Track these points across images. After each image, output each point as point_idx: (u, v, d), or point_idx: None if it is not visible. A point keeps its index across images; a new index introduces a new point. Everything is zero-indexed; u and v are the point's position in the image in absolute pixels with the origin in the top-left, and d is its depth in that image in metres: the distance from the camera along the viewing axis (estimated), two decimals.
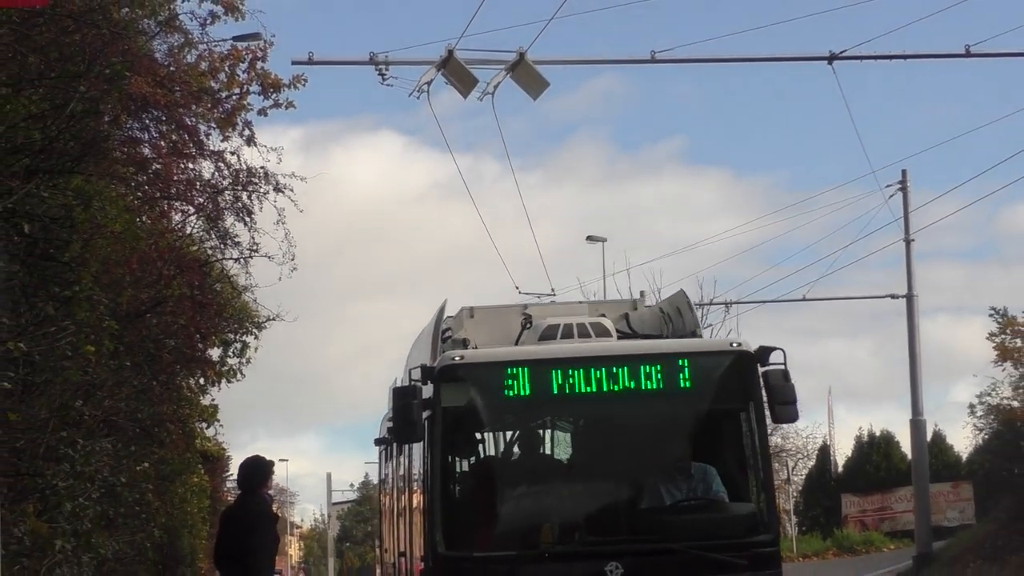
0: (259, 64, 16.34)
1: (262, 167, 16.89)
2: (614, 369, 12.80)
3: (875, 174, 32.86)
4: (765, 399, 12.85)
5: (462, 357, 12.83)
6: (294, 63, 18.86)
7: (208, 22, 14.79)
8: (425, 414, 12.37)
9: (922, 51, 22.44)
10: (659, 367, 12.85)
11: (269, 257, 19.49)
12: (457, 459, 13.33)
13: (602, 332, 13.73)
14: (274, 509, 14.64)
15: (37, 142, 10.17)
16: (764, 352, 12.77)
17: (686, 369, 12.90)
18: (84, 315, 11.50)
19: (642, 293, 17.69)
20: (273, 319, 21.79)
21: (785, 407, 12.73)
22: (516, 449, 14.04)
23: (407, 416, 12.38)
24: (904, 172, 36.41)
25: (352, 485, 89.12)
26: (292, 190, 18.43)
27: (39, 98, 10.16)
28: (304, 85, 18.38)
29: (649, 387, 12.91)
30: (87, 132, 10.81)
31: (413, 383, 12.44)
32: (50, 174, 10.39)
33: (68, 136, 10.51)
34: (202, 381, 20.45)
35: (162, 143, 14.68)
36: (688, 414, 13.54)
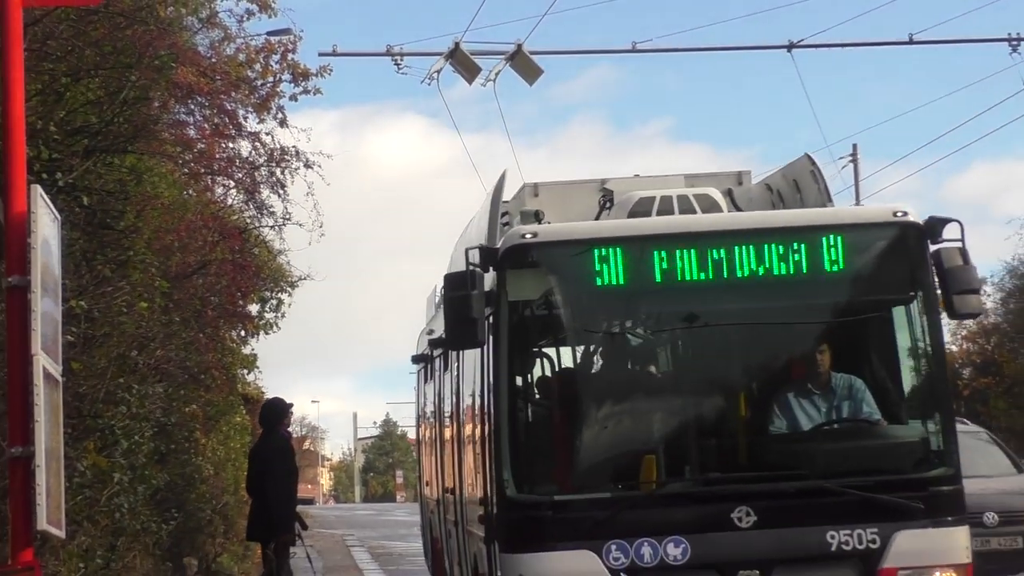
0: (290, 55, 17.09)
1: (293, 146, 17.55)
2: (741, 247, 8.70)
3: (829, 148, 33.04)
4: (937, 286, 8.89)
5: (535, 234, 8.76)
6: (320, 55, 19.50)
7: (244, 19, 15.51)
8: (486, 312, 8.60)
9: (871, 39, 22.49)
10: (802, 244, 8.75)
11: (300, 225, 19.95)
12: (529, 372, 9.21)
13: (711, 207, 9.78)
14: (294, 444, 15.37)
15: (94, 125, 10.45)
16: (936, 224, 8.81)
17: (838, 246, 8.75)
18: (138, 276, 11.84)
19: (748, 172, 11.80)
20: (304, 279, 22.34)
21: (965, 297, 8.72)
22: (609, 357, 9.64)
23: (464, 312, 8.48)
24: (855, 146, 37.31)
25: (375, 423, 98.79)
26: (320, 166, 18.84)
27: (96, 87, 10.40)
28: (330, 74, 19.77)
29: (788, 271, 8.79)
30: (139, 116, 11.29)
31: (472, 268, 8.52)
32: (106, 153, 10.74)
33: (122, 120, 10.85)
34: (243, 333, 21.30)
35: (205, 125, 15.70)
36: (837, 307, 9.37)
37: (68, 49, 9.97)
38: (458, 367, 11.95)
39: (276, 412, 14.77)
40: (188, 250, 14.58)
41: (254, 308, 19.97)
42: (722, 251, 8.64)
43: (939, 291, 8.89)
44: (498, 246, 8.83)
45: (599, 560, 8.31)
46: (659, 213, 9.47)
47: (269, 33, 16.65)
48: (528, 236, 8.69)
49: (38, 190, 6.63)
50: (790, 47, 21.13)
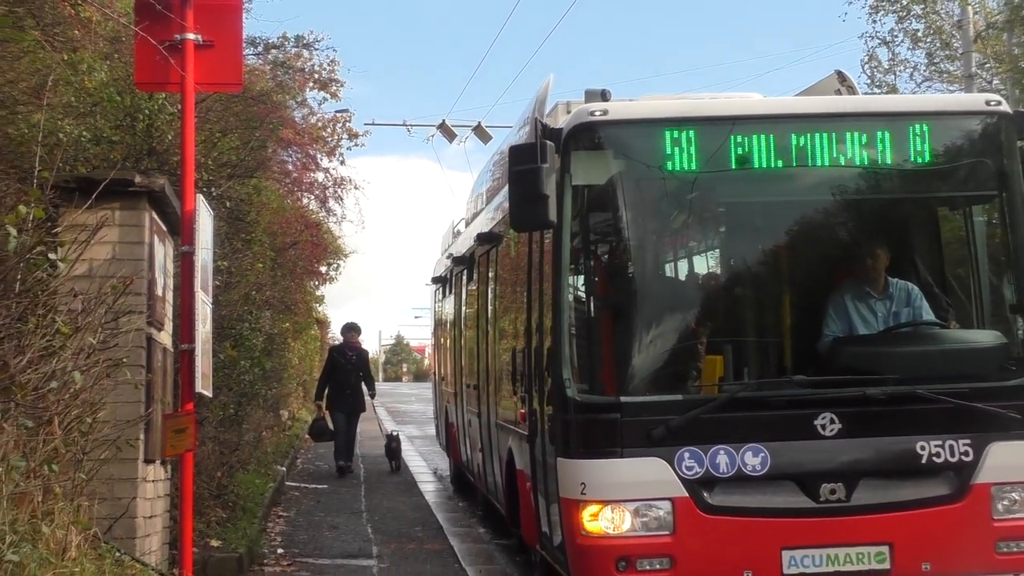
0: (348, 124, 20.54)
1: (349, 177, 20.96)
2: (821, 135, 6.33)
3: None
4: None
5: (605, 112, 6.32)
6: (364, 124, 27.48)
7: (322, 102, 18.93)
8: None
9: None
10: (887, 131, 6.42)
11: (351, 221, 25.08)
12: (592, 265, 6.65)
13: None
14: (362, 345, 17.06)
15: (234, 161, 10.94)
16: (1022, 119, 6.66)
17: (925, 135, 6.43)
18: (256, 248, 12.90)
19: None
20: (352, 252, 26.92)
21: None
22: (678, 250, 7.35)
23: (531, 188, 6.05)
24: None
25: (391, 336, 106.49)
26: (363, 188, 23.89)
27: (235, 139, 11.13)
28: (370, 135, 26.35)
29: (870, 161, 6.48)
30: (259, 157, 12.44)
31: (541, 140, 6.17)
32: (240, 177, 11.32)
33: (249, 159, 11.56)
34: (316, 283, 25.46)
35: (297, 163, 18.37)
36: (921, 201, 7.17)
37: (220, 116, 10.80)
38: (493, 273, 9.75)
39: (349, 327, 16.75)
40: (286, 234, 17.04)
41: (323, 268, 23.82)
42: (803, 137, 6.36)
43: None
44: (561, 126, 6.54)
45: (670, 469, 6.10)
46: None
47: (336, 111, 20.31)
48: (597, 114, 6.34)
49: (200, 197, 7.14)
50: None
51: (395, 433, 17.10)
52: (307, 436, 18.03)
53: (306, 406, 25.72)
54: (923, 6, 25.77)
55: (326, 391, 15.94)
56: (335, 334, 31.46)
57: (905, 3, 25.72)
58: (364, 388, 16.22)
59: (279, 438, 17.60)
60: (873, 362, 6.54)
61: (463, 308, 12.47)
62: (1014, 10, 23.48)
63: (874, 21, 26.69)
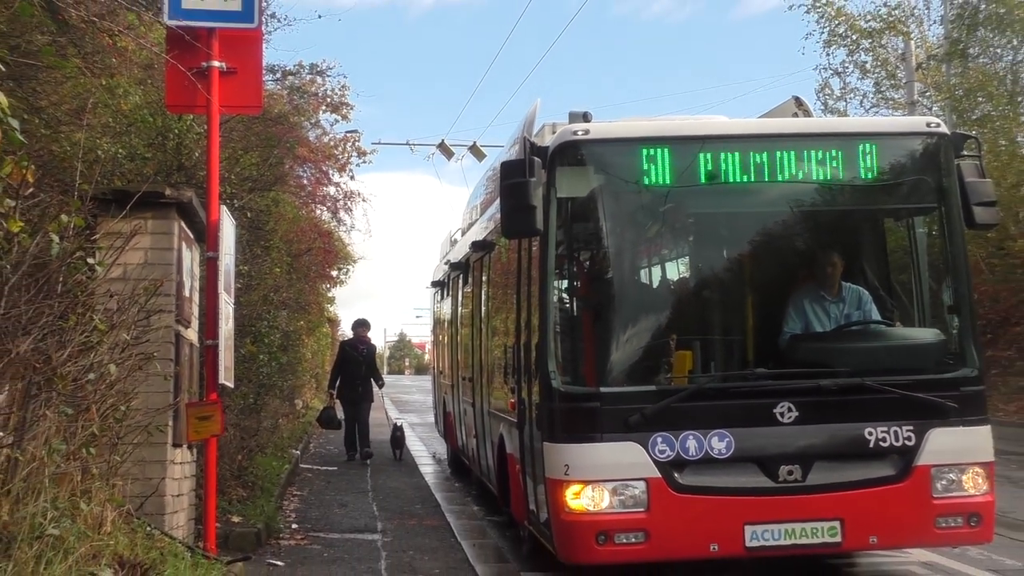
0: (357, 143, 20.49)
1: (358, 191, 20.91)
2: (781, 152, 6.39)
3: None
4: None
5: (587, 132, 6.39)
6: (372, 143, 26.42)
7: (334, 123, 18.60)
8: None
9: None
10: (840, 150, 6.50)
11: (359, 230, 23.71)
12: (575, 268, 6.62)
13: None
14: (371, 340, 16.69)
15: (254, 176, 11.05)
16: (959, 139, 6.78)
17: (873, 153, 6.51)
18: (275, 254, 12.96)
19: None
20: (361, 258, 27.08)
21: (985, 208, 6.57)
22: (652, 256, 7.36)
23: (521, 199, 6.13)
24: None
25: (395, 334, 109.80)
26: (370, 200, 23.25)
27: (255, 156, 11.22)
28: (376, 152, 23.21)
29: (824, 176, 6.54)
30: (277, 172, 12.40)
31: (530, 157, 6.26)
32: (260, 190, 11.40)
33: (268, 174, 11.63)
34: (327, 285, 25.56)
35: (311, 178, 18.13)
36: (869, 213, 7.16)
37: (242, 136, 10.86)
38: (486, 277, 9.70)
39: (360, 323, 16.47)
40: (301, 242, 17.00)
41: (334, 273, 24.12)
42: (764, 154, 6.39)
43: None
44: (547, 144, 6.53)
45: (645, 452, 6.11)
46: None
47: (346, 131, 20.26)
48: (579, 133, 6.37)
49: (224, 208, 7.29)
50: None
51: (400, 423, 16.67)
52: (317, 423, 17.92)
53: (318, 396, 25.68)
54: (870, 40, 26.01)
55: (337, 382, 15.62)
56: (344, 332, 31.61)
57: (855, 38, 25.94)
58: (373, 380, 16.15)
59: (294, 425, 17.54)
60: (827, 357, 6.59)
61: (459, 308, 12.46)
62: (952, 44, 23.63)
63: (827, 54, 26.92)
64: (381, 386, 16.22)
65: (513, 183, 6.23)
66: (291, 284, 15.01)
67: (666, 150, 6.39)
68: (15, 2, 5.79)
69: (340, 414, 15.65)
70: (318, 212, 20.02)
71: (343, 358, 15.83)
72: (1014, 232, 21.45)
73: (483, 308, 9.97)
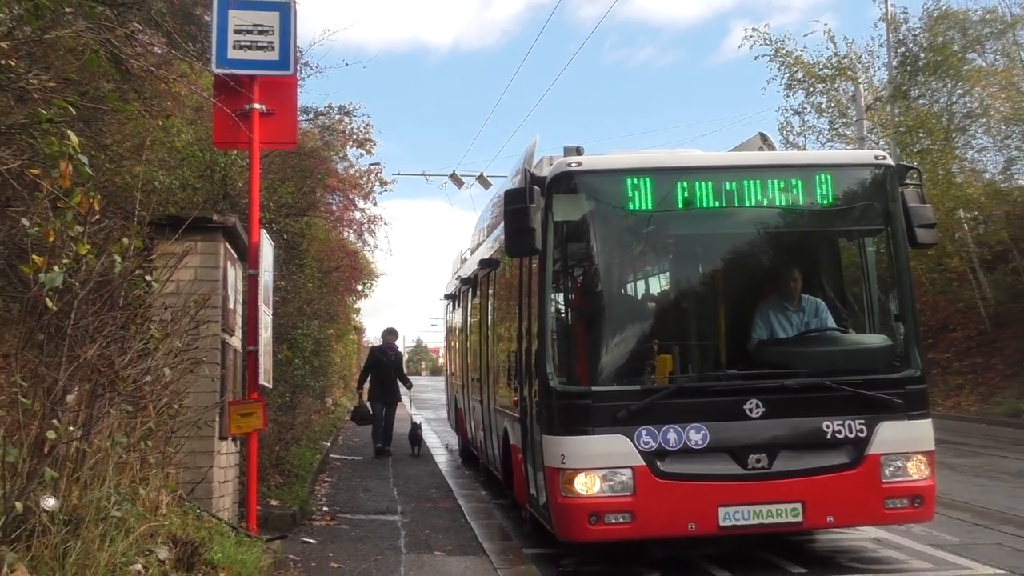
0: (379, 174, 20.38)
1: (380, 216, 21.02)
2: (749, 181, 6.47)
3: None
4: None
5: (580, 163, 6.47)
6: (392, 174, 26.40)
7: (359, 157, 18.45)
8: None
9: None
10: (799, 179, 6.56)
11: (381, 250, 29.86)
12: (570, 283, 6.64)
13: None
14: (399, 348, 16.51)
15: (290, 202, 11.01)
16: (903, 169, 6.91)
17: (828, 182, 6.58)
18: (307, 271, 12.73)
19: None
20: (383, 274, 27.46)
21: (927, 229, 6.65)
22: (635, 272, 7.45)
23: (522, 223, 6.28)
24: None
25: (413, 340, 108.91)
26: (391, 225, 22.40)
27: (291, 185, 11.15)
28: (396, 182, 22.62)
29: (788, 202, 6.58)
30: (310, 200, 12.23)
31: (530, 185, 6.39)
32: (295, 215, 11.24)
33: (302, 200, 11.55)
34: (354, 298, 25.47)
35: (339, 205, 18.13)
36: (825, 234, 7.17)
37: (279, 168, 10.84)
38: (492, 290, 9.75)
39: (388, 332, 16.09)
40: (330, 260, 16.80)
41: (359, 287, 23.90)
42: (734, 183, 6.46)
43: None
44: (545, 174, 6.60)
45: (631, 443, 6.13)
46: None
47: (370, 164, 20.19)
48: (573, 165, 6.46)
49: (263, 231, 7.31)
50: None
51: (418, 421, 16.28)
52: (348, 419, 17.48)
53: (346, 395, 25.81)
54: (825, 85, 26.19)
55: (367, 384, 15.30)
56: (368, 339, 31.56)
57: (811, 82, 26.09)
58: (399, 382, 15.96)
59: (324, 420, 17.39)
60: (790, 360, 6.61)
61: (469, 318, 12.49)
62: (895, 88, 23.85)
63: (788, 96, 27.10)
64: (409, 387, 15.88)
65: (515, 208, 6.32)
66: (322, 297, 14.87)
67: (648, 180, 6.46)
68: (85, 55, 5.88)
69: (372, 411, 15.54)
70: (345, 234, 19.91)
71: (373, 362, 15.52)
72: (951, 250, 21.80)
73: (489, 317, 9.98)
